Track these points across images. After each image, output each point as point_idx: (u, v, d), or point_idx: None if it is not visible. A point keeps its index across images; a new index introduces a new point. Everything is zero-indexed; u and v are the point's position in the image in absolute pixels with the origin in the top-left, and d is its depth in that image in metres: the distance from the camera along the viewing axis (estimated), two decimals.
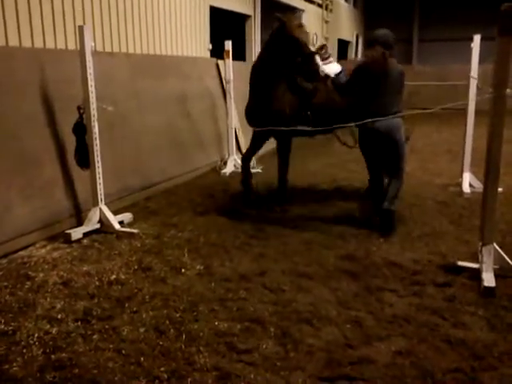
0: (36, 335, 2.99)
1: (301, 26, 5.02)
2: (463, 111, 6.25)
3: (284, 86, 5.33)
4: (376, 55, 4.68)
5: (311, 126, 5.31)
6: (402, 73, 4.80)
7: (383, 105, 4.69)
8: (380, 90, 4.70)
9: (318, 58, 4.92)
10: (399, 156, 4.77)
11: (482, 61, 5.91)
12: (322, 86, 5.33)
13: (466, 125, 6.20)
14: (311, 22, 14.99)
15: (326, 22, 16.95)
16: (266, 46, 5.38)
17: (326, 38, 16.37)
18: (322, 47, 5.18)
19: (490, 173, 3.67)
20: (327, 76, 5.04)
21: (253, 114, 5.55)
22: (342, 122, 5.05)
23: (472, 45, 5.98)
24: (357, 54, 21.15)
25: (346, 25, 19.47)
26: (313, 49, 5.01)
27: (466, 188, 6.17)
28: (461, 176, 6.34)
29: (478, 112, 6.04)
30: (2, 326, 3.09)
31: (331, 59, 5.16)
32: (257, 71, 5.38)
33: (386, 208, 4.69)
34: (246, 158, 5.79)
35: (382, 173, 5.00)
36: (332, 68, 5.06)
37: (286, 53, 4.93)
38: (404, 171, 4.87)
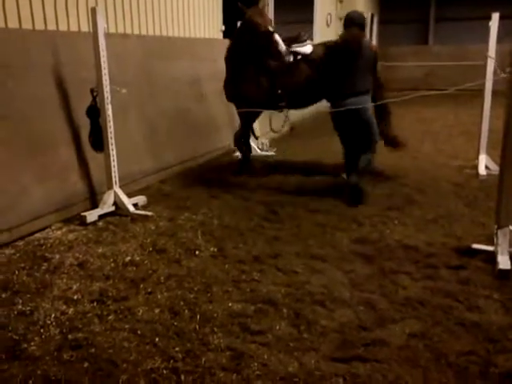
0: (53, 315, 3.04)
1: (260, 12, 5.61)
2: (481, 92, 6.13)
3: (251, 69, 5.76)
4: (354, 36, 5.04)
5: (285, 102, 5.87)
6: (375, 52, 5.22)
7: (354, 83, 5.03)
8: (353, 70, 5.03)
9: (276, 36, 5.31)
10: (368, 132, 5.15)
11: (500, 40, 5.78)
12: (299, 66, 5.79)
13: (483, 106, 6.10)
14: (325, 2, 14.71)
15: (341, 1, 16.63)
16: (234, 34, 6.03)
17: (341, 18, 16.08)
18: (299, 34, 5.87)
19: (506, 155, 3.61)
20: (297, 54, 5.72)
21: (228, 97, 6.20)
22: (316, 99, 5.92)
23: (490, 23, 5.84)
24: (372, 33, 20.72)
25: (361, 4, 19.05)
26: (271, 29, 5.38)
27: (482, 170, 6.07)
28: (477, 158, 6.25)
29: (495, 93, 5.93)
30: (20, 307, 3.14)
31: (308, 42, 5.91)
32: (227, 60, 5.94)
33: (353, 183, 5.05)
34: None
35: (356, 148, 5.32)
36: (305, 49, 5.77)
37: (247, 37, 5.47)
38: (373, 146, 5.27)
